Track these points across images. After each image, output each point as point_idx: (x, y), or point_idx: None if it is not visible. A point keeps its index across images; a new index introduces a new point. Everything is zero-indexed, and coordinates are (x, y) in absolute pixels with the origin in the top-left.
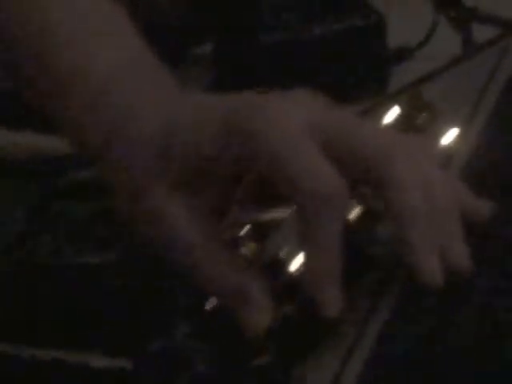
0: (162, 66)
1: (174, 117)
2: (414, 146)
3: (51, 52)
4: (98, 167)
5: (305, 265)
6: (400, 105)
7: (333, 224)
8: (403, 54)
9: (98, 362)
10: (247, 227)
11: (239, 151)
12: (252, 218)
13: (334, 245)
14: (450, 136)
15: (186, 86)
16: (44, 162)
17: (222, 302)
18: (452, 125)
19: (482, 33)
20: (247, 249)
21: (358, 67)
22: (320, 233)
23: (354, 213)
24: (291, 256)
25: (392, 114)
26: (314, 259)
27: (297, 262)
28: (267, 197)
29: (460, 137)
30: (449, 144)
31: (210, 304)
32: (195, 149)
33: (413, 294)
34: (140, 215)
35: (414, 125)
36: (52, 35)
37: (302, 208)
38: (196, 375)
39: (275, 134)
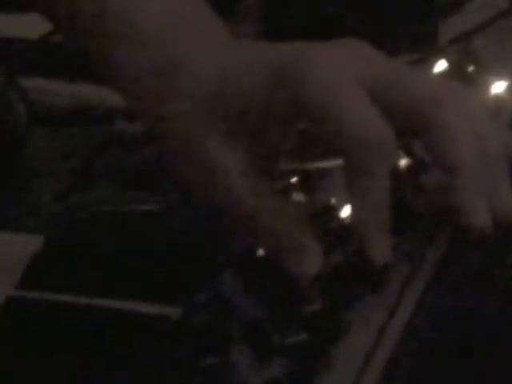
0: (214, 15)
1: (226, 65)
2: (464, 94)
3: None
4: (149, 117)
5: (354, 215)
6: (449, 56)
7: (381, 173)
8: (453, 7)
9: (149, 309)
10: (297, 176)
11: (289, 100)
12: (301, 167)
13: (382, 194)
14: (498, 87)
15: (239, 37)
16: (94, 114)
17: (273, 249)
18: (501, 76)
19: None
20: (297, 197)
21: (408, 19)
22: (369, 183)
23: (402, 163)
24: (342, 203)
25: (440, 66)
26: (364, 210)
27: (347, 209)
28: (316, 146)
29: (509, 88)
30: (498, 95)
31: (261, 252)
32: (246, 97)
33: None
34: (192, 165)
35: (464, 76)
36: None
37: (351, 157)
38: (247, 323)
39: (325, 84)
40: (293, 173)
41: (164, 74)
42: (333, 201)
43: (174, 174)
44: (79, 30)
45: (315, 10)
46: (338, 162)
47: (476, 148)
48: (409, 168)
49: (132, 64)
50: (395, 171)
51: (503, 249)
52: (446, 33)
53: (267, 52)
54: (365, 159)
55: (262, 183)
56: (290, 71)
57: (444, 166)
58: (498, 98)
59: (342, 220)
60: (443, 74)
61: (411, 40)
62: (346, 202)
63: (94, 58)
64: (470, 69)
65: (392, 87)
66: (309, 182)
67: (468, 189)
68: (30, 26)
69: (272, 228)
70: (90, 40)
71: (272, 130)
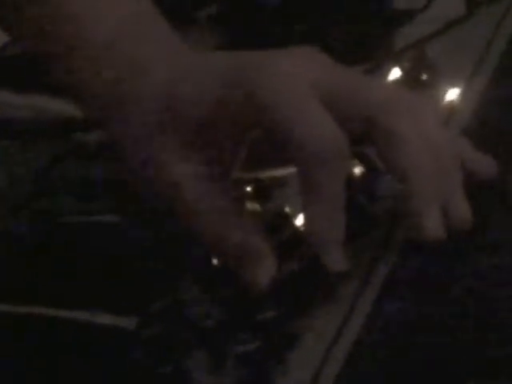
0: (167, 25)
1: (179, 74)
2: (417, 102)
3: (59, 6)
4: (103, 126)
5: (308, 223)
6: (403, 64)
7: (335, 181)
8: (408, 17)
9: (103, 319)
10: (251, 185)
11: (241, 108)
12: (255, 176)
13: (336, 202)
14: (452, 94)
15: (197, 46)
16: (52, 124)
17: (227, 258)
18: (454, 83)
19: None
20: (251, 206)
21: (363, 29)
22: (323, 191)
23: (356, 170)
24: (296, 211)
25: (394, 74)
26: (318, 218)
27: (302, 217)
28: (270, 155)
29: (462, 95)
30: (450, 102)
31: (216, 261)
32: (198, 107)
33: (411, 251)
34: (145, 172)
35: (417, 83)
36: None
37: (305, 165)
38: (199, 331)
39: (277, 92)
40: (247, 182)
41: (115, 87)
42: (287, 209)
43: (132, 185)
44: (33, 43)
45: (273, 20)
46: (291, 170)
47: (428, 155)
48: (363, 175)
49: (84, 77)
50: (349, 179)
51: (458, 256)
52: (401, 41)
53: (220, 60)
54: (318, 168)
55: (216, 191)
56: (242, 79)
57: (396, 173)
58: (451, 105)
59: (297, 228)
60: (397, 82)
61: (367, 50)
62: (300, 211)
63: (51, 70)
64: (424, 76)
65: (345, 95)
66: (263, 190)
67: (420, 196)
68: None
69: (226, 237)
70: (45, 54)
71: (225, 138)
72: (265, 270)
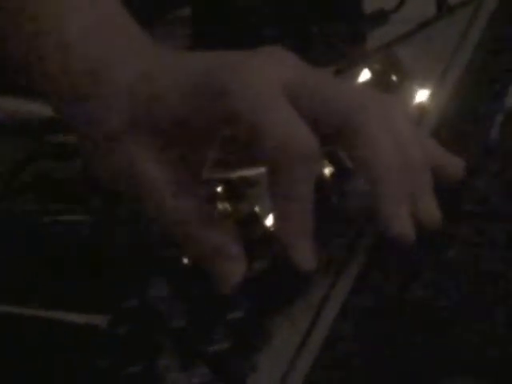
0: (135, 23)
1: (148, 71)
2: (387, 103)
3: (26, 9)
4: (72, 126)
5: (277, 222)
6: (373, 66)
7: (304, 182)
8: (379, 18)
9: (75, 318)
10: (222, 185)
11: (211, 109)
12: (226, 176)
13: (306, 202)
14: (421, 96)
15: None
16: (24, 125)
17: (198, 257)
18: (424, 85)
19: None
20: (222, 205)
21: (334, 31)
22: (292, 191)
23: (326, 170)
24: (266, 211)
25: (364, 75)
26: (287, 218)
27: (272, 217)
28: (241, 155)
29: (431, 97)
30: (420, 104)
31: (186, 259)
32: (167, 107)
33: (384, 250)
34: (113, 171)
35: (387, 84)
36: None
37: (274, 166)
38: (171, 331)
39: (247, 94)
40: (218, 182)
41: (86, 85)
42: (257, 209)
43: (101, 186)
44: (6, 41)
45: (242, 22)
46: (262, 170)
47: (397, 156)
48: (333, 175)
49: (55, 78)
50: (319, 178)
51: (426, 255)
52: (372, 42)
53: (192, 59)
54: (288, 168)
55: (187, 191)
56: (212, 79)
57: (365, 173)
58: (421, 106)
59: (267, 228)
60: (367, 83)
61: (338, 51)
62: (271, 211)
63: (22, 71)
64: (394, 78)
65: (315, 95)
66: (233, 191)
67: (388, 196)
68: None
69: (197, 236)
70: (18, 50)
71: (196, 138)
72: (235, 269)
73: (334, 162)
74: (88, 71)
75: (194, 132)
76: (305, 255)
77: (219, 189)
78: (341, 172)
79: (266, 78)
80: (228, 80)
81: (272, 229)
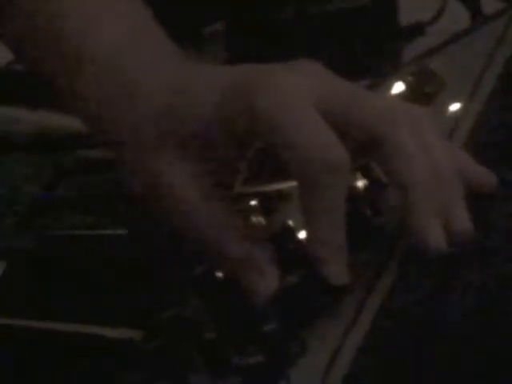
0: (166, 36)
1: (178, 86)
2: (419, 115)
3: (60, 27)
4: (105, 143)
5: (310, 236)
6: (407, 78)
7: (336, 194)
8: (415, 30)
9: (112, 332)
10: (255, 199)
11: (242, 122)
12: (260, 189)
13: (337, 214)
14: (454, 108)
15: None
16: (56, 140)
17: (231, 270)
18: (458, 97)
19: (489, 6)
20: (256, 219)
21: (370, 43)
22: (323, 203)
23: (360, 183)
24: (300, 224)
25: (397, 87)
26: (320, 231)
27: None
28: (274, 168)
29: (464, 109)
30: (454, 116)
31: (220, 273)
32: (197, 120)
33: (415, 263)
34: (146, 186)
35: (421, 97)
36: (59, 8)
37: (306, 180)
38: (202, 344)
39: (277, 105)
40: (251, 195)
41: (116, 102)
42: (290, 222)
43: (135, 199)
44: (35, 59)
45: (277, 35)
46: (295, 183)
47: (430, 169)
48: (366, 189)
49: (85, 94)
50: (352, 191)
51: (459, 269)
52: (409, 55)
53: (221, 73)
54: (320, 182)
55: (218, 203)
56: (242, 93)
57: (398, 185)
58: (454, 118)
59: (300, 241)
60: (400, 96)
61: (374, 64)
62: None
63: (56, 85)
64: (427, 90)
65: (347, 108)
66: (267, 204)
67: (421, 209)
68: None
69: (229, 251)
70: (47, 68)
71: (226, 152)
72: (267, 283)
73: (367, 175)
74: (119, 86)
75: (224, 146)
76: (336, 269)
77: (253, 202)
78: (374, 185)
79: (297, 91)
80: (258, 93)
81: (305, 242)
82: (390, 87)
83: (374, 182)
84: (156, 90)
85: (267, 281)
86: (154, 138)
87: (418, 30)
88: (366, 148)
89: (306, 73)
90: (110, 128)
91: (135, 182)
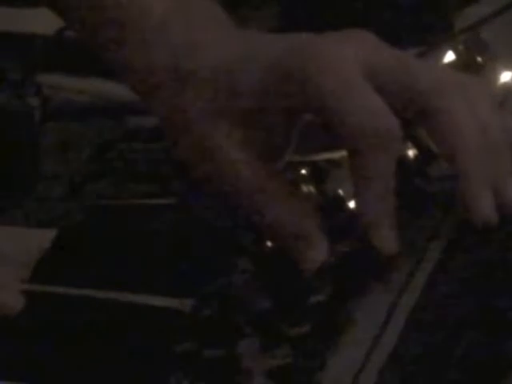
0: (217, 6)
1: (229, 58)
2: (470, 84)
3: None
4: (160, 111)
5: (360, 205)
6: (457, 47)
7: (386, 163)
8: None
9: (160, 301)
10: (306, 168)
11: (293, 91)
12: (310, 158)
13: (387, 183)
14: (505, 77)
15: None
16: (107, 108)
17: (280, 239)
18: (508, 66)
19: None
20: (306, 188)
21: (423, 12)
22: (373, 172)
23: (410, 153)
24: (350, 194)
25: (448, 56)
26: (370, 200)
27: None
28: (324, 137)
29: None
30: (504, 85)
31: (269, 242)
32: (248, 94)
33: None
34: (200, 154)
35: (472, 66)
36: None
37: (356, 147)
38: (253, 313)
39: (329, 74)
40: (302, 164)
41: (168, 69)
42: (341, 192)
43: (185, 167)
44: (88, 27)
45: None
46: (346, 152)
47: (480, 137)
48: (415, 158)
49: (136, 65)
50: (402, 161)
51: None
52: (462, 24)
53: (272, 42)
54: (370, 150)
55: (271, 173)
56: (294, 61)
57: (447, 153)
58: (505, 87)
59: (351, 211)
60: (451, 65)
61: (427, 33)
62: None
63: (105, 53)
64: (478, 59)
65: (397, 77)
66: (318, 173)
67: (471, 178)
68: (44, 21)
69: (279, 219)
70: (99, 36)
71: (277, 122)
72: (317, 253)
73: (417, 144)
74: (169, 58)
75: (274, 117)
76: (386, 237)
77: (303, 171)
78: (424, 155)
79: (347, 61)
80: (308, 61)
81: (356, 211)
82: (440, 56)
83: (423, 152)
84: (206, 62)
85: (317, 251)
86: (204, 110)
87: None
88: (417, 116)
89: (358, 42)
90: (157, 98)
91: (184, 146)
